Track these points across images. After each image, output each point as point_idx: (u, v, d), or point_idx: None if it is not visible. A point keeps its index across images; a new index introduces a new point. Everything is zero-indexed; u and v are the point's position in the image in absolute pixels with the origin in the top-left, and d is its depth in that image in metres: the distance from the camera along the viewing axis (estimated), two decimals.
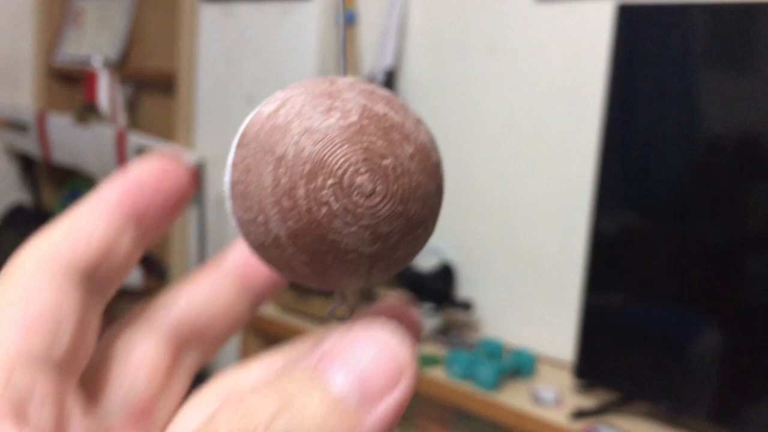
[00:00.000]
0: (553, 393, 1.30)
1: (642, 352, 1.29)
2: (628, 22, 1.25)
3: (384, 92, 0.24)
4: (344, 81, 0.24)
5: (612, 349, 1.33)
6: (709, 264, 1.21)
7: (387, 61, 1.69)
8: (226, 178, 0.23)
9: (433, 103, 1.67)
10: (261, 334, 1.77)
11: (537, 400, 1.30)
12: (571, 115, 1.47)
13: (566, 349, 1.47)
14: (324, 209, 0.22)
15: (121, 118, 2.22)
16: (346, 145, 0.22)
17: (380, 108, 0.23)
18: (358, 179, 0.22)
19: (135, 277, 2.24)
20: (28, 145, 2.42)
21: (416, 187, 0.23)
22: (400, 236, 0.23)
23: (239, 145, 0.23)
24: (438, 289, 1.59)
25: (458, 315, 1.64)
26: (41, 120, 2.33)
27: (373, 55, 1.76)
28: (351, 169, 0.22)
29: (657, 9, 1.23)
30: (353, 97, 0.23)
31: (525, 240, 1.56)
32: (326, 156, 0.22)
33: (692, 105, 1.22)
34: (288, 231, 0.22)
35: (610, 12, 1.36)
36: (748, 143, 1.16)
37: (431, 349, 1.49)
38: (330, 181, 0.22)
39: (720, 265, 1.20)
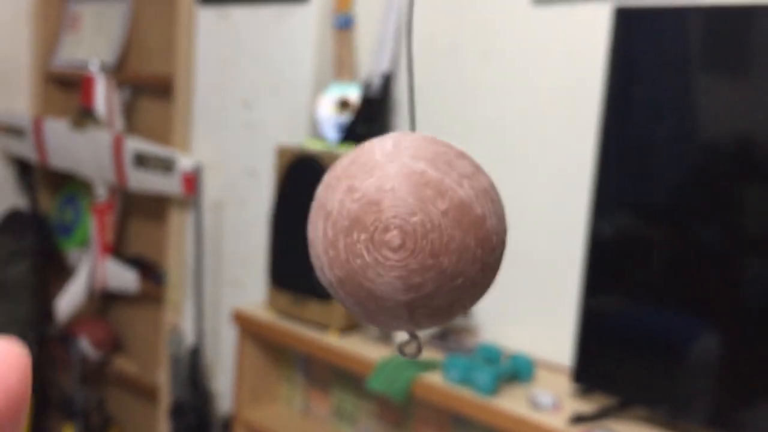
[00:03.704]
0: (552, 398, 1.30)
1: (640, 357, 1.29)
2: (625, 25, 1.25)
3: (439, 146, 0.26)
4: (409, 140, 0.26)
5: (610, 353, 1.33)
6: (708, 268, 1.21)
7: (384, 65, 1.69)
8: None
9: (430, 106, 1.67)
10: (257, 339, 1.76)
11: (535, 405, 1.30)
12: (569, 118, 1.47)
13: (564, 353, 1.47)
14: (359, 260, 0.25)
15: (118, 122, 2.22)
16: (379, 204, 0.25)
17: (420, 165, 0.25)
18: (387, 235, 0.24)
19: (132, 282, 2.24)
20: (25, 150, 2.41)
21: (448, 242, 0.25)
22: (435, 286, 0.25)
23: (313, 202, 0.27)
24: None
25: (456, 319, 1.63)
26: (38, 125, 2.32)
27: (370, 59, 1.76)
28: (381, 226, 0.24)
29: (654, 12, 1.23)
30: (401, 153, 0.26)
31: (523, 243, 1.56)
32: (361, 214, 0.25)
33: (690, 108, 1.22)
34: (335, 277, 0.26)
35: (607, 15, 1.36)
36: (746, 146, 1.16)
37: (428, 353, 1.49)
38: (363, 236, 0.25)
39: (718, 269, 1.20)
